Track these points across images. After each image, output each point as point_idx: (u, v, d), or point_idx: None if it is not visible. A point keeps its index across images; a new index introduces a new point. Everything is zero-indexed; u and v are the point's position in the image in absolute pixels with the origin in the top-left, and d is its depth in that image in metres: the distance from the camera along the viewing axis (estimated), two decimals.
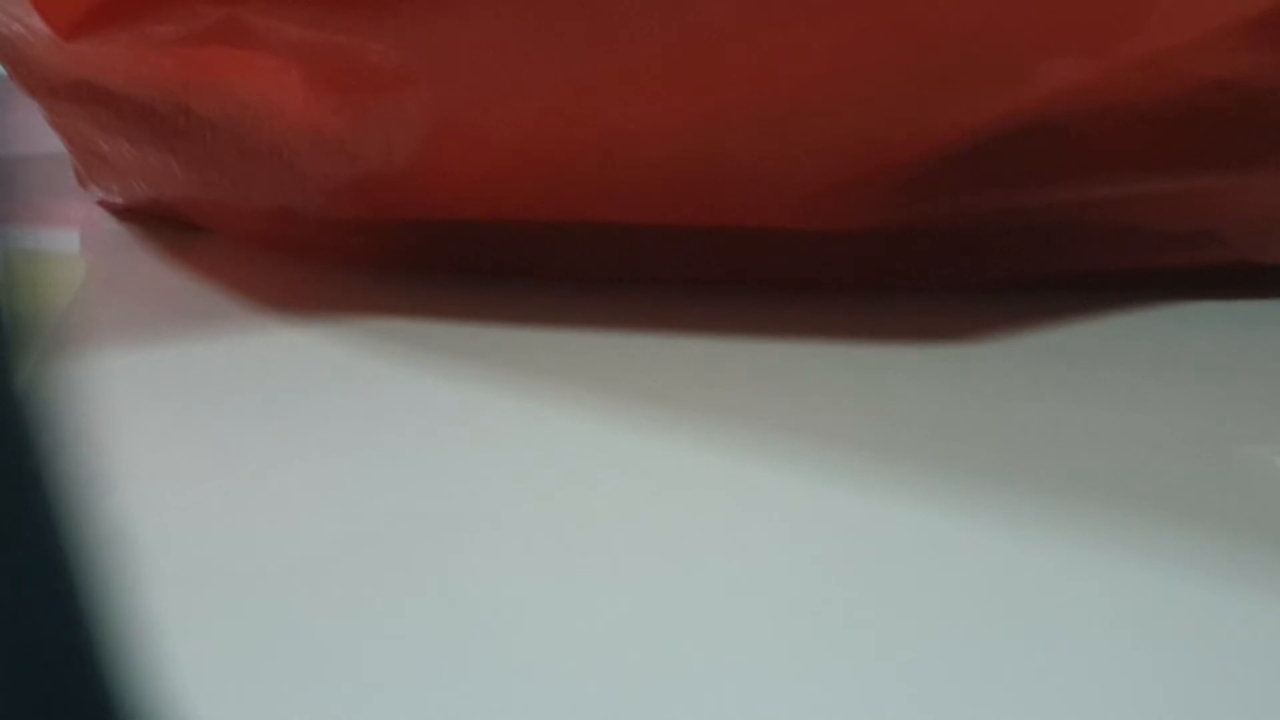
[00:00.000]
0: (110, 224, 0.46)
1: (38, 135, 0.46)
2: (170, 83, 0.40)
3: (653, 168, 0.38)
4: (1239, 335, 0.37)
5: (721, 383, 0.35)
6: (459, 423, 0.33)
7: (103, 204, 0.47)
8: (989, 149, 0.37)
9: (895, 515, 0.29)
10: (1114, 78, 0.35)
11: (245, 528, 0.29)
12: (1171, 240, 0.39)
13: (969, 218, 0.38)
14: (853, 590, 0.27)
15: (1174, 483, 0.30)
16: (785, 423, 0.33)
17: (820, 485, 0.30)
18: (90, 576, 0.13)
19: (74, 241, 0.46)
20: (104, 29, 0.38)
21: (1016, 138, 0.36)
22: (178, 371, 0.36)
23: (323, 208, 0.40)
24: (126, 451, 0.29)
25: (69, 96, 0.42)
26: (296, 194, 0.40)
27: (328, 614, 0.26)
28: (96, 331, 0.38)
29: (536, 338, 0.37)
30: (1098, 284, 0.39)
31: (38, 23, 0.38)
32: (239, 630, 0.25)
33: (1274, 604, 0.26)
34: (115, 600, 0.13)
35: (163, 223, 0.45)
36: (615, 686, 0.24)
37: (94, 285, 0.43)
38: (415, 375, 0.36)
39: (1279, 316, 0.38)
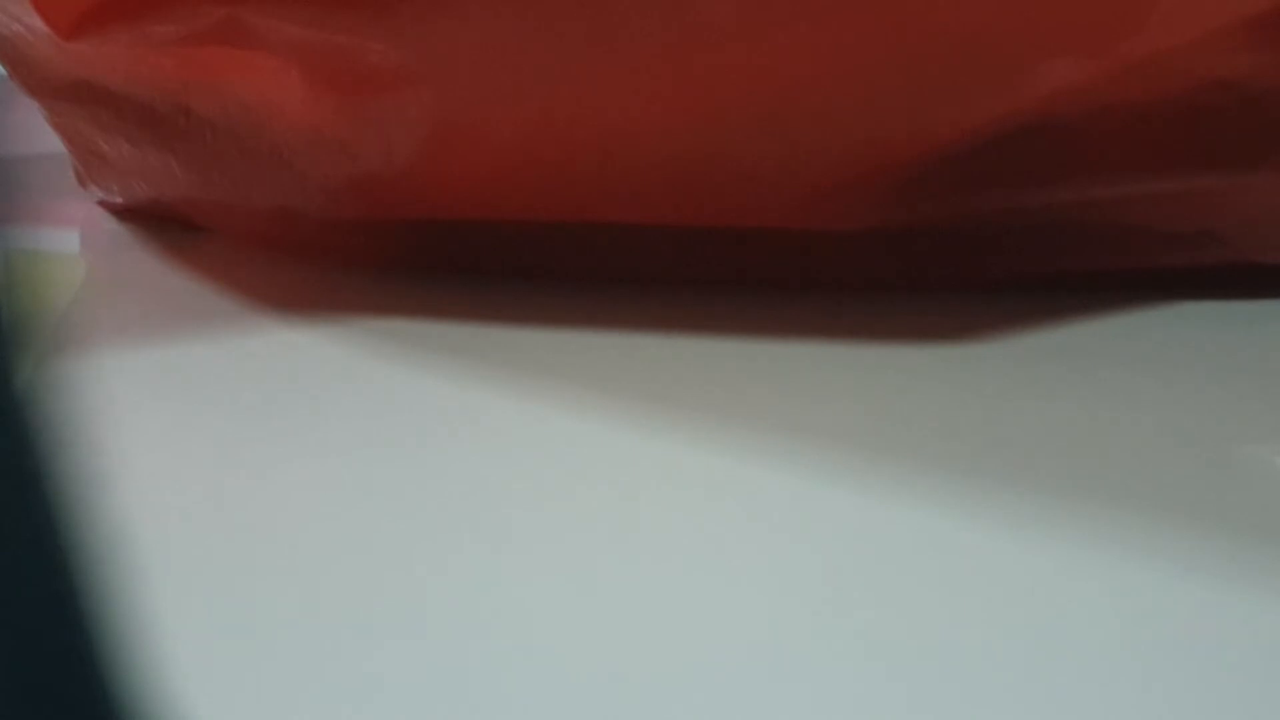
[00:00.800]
0: (110, 224, 0.46)
1: (38, 135, 0.46)
2: (170, 83, 0.40)
3: (653, 168, 0.38)
4: (1239, 335, 0.37)
5: (721, 383, 0.35)
6: (459, 423, 0.33)
7: (103, 204, 0.47)
8: (989, 149, 0.37)
9: (895, 515, 0.29)
10: (1114, 78, 0.35)
11: (245, 528, 0.29)
12: (1172, 240, 0.39)
13: (969, 218, 0.38)
14: (853, 590, 0.27)
15: (1174, 483, 0.30)
16: (785, 423, 0.33)
17: (820, 485, 0.30)
18: (90, 576, 0.13)
19: (74, 241, 0.46)
20: (104, 29, 0.38)
21: (1016, 138, 0.36)
22: (178, 371, 0.36)
23: (323, 208, 0.40)
24: (126, 451, 0.29)
25: (69, 96, 0.42)
26: (296, 194, 0.40)
27: (328, 614, 0.26)
28: (96, 331, 0.38)
29: (536, 338, 0.37)
30: (1098, 284, 0.39)
31: (38, 23, 0.38)
32: (239, 630, 0.25)
33: (1274, 604, 0.26)
34: (115, 600, 0.13)
35: (163, 223, 0.45)
36: (616, 686, 0.24)
37: (94, 285, 0.43)
38: (415, 375, 0.36)
39: (1279, 316, 0.38)
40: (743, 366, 0.36)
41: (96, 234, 0.46)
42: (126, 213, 0.46)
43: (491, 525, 0.29)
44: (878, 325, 0.38)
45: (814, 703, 0.23)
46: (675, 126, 0.37)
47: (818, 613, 0.26)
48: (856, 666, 0.24)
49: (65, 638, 0.12)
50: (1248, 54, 0.35)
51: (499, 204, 0.39)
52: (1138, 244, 0.39)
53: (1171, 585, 0.26)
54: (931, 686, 0.24)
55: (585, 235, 0.40)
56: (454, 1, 0.35)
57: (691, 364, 0.36)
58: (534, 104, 0.37)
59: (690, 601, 0.26)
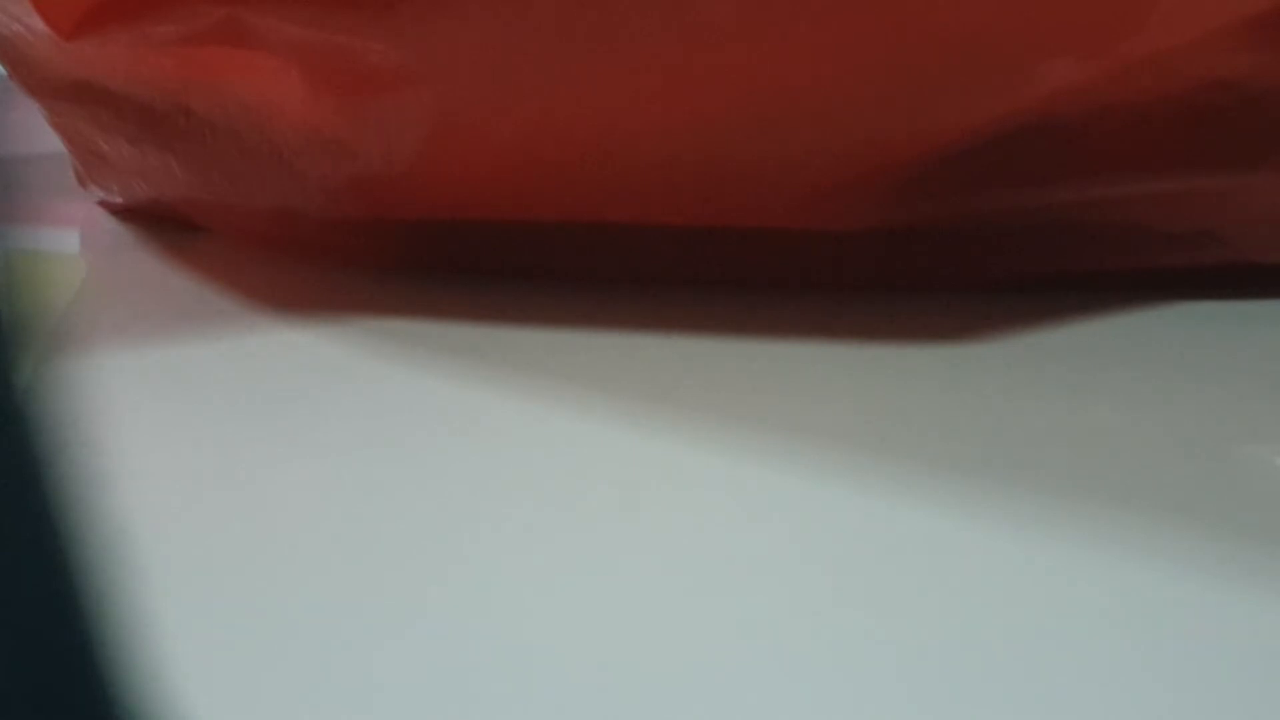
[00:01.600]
0: (110, 224, 0.46)
1: (38, 135, 0.46)
2: (170, 83, 0.40)
3: (653, 168, 0.38)
4: (1239, 335, 0.37)
5: (721, 383, 0.35)
6: (459, 423, 0.33)
7: (103, 204, 0.47)
8: (989, 149, 0.37)
9: (895, 515, 0.29)
10: (1114, 78, 0.35)
11: (245, 527, 0.29)
12: (1172, 240, 0.39)
13: (969, 218, 0.38)
14: (853, 590, 0.27)
15: (1174, 483, 0.30)
16: (785, 423, 0.33)
17: (820, 485, 0.30)
18: (90, 576, 0.13)
19: (74, 241, 0.46)
20: (104, 29, 0.38)
21: (1016, 138, 0.36)
22: (178, 371, 0.36)
23: (323, 208, 0.40)
24: (126, 451, 0.29)
25: (69, 96, 0.42)
26: (296, 194, 0.40)
27: (328, 614, 0.26)
28: (96, 331, 0.38)
29: (536, 338, 0.37)
30: (1098, 284, 0.39)
31: (38, 23, 0.38)
32: (239, 630, 0.25)
33: (1274, 604, 0.26)
34: (115, 600, 0.13)
35: (163, 223, 0.45)
36: (617, 686, 0.24)
37: (94, 285, 0.43)
38: (415, 375, 0.36)
39: (1279, 317, 0.38)
40: (743, 366, 0.36)
41: (96, 234, 0.46)
42: (126, 213, 0.46)
43: (491, 525, 0.29)
44: (878, 325, 0.38)
45: (814, 702, 0.23)
46: (675, 126, 0.37)
47: (818, 612, 0.26)
48: (856, 666, 0.24)
49: (65, 638, 0.12)
50: (1248, 54, 0.35)
51: (499, 204, 0.39)
52: (1138, 244, 0.39)
53: (1171, 585, 0.26)
54: (932, 686, 0.24)
55: (585, 235, 0.40)
56: (454, 1, 0.35)
57: (691, 364, 0.36)
58: (534, 104, 0.37)
59: (690, 601, 0.26)
